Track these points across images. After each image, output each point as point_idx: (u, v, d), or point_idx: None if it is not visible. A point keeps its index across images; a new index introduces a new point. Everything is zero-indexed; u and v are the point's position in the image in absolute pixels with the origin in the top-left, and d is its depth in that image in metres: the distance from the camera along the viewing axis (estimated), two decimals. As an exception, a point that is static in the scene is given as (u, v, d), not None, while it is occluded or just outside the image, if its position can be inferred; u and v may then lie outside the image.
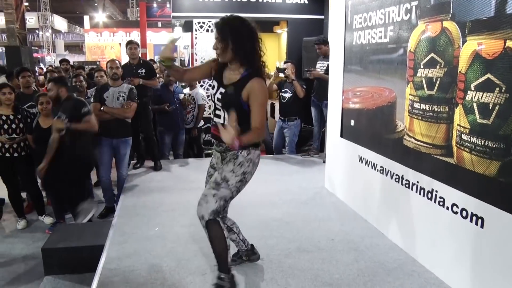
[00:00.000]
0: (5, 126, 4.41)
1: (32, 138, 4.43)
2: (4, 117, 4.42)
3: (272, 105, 7.98)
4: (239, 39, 2.31)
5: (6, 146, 4.42)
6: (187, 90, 6.19)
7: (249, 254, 2.92)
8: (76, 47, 35.29)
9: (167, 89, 5.78)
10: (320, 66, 5.75)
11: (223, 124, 2.37)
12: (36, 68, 15.77)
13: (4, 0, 14.93)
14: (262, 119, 2.36)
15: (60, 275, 3.41)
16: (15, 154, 4.48)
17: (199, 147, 6.58)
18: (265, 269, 2.89)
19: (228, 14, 2.40)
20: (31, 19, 25.99)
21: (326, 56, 5.62)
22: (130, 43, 5.48)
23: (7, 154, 4.46)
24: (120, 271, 2.88)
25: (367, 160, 3.70)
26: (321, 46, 5.65)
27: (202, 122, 6.48)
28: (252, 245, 2.94)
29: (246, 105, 2.36)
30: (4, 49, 18.38)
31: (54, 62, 22.87)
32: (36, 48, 29.76)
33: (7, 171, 4.59)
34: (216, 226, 2.36)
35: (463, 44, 2.45)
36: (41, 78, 10.72)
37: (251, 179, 2.50)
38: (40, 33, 29.30)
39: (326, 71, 5.39)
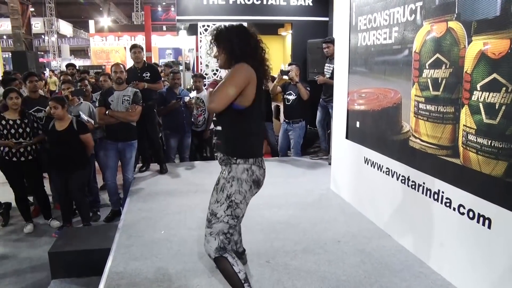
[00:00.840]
0: (12, 131, 4.44)
1: (47, 140, 4.48)
2: (11, 122, 4.45)
3: (277, 107, 7.98)
4: (229, 41, 2.28)
5: (13, 150, 4.45)
6: (194, 94, 6.19)
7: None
8: (81, 52, 35.51)
9: (173, 92, 5.79)
10: (327, 69, 5.75)
11: (220, 131, 2.34)
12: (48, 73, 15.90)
13: (10, 6, 15.08)
14: (217, 95, 2.17)
15: (67, 279, 3.44)
16: (22, 159, 4.51)
17: (212, 149, 6.57)
18: (271, 271, 2.89)
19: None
20: (37, 24, 26.16)
21: (333, 57, 5.62)
22: (134, 47, 5.48)
23: (14, 159, 4.49)
24: (127, 274, 2.89)
25: (373, 161, 3.69)
26: (330, 45, 5.59)
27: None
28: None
29: (234, 104, 2.23)
30: (10, 54, 18.56)
31: (60, 66, 23.03)
32: (42, 53, 29.99)
33: (14, 175, 4.62)
34: (224, 263, 2.27)
35: (468, 44, 2.44)
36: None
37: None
38: (46, 38, 29.49)
39: (333, 73, 5.39)
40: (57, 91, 5.98)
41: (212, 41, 2.35)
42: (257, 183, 2.34)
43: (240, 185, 2.25)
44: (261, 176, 2.34)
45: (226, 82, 2.19)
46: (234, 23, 2.40)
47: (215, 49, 2.36)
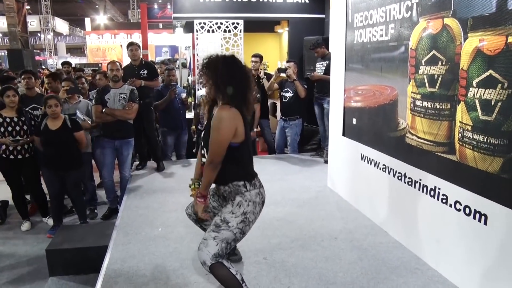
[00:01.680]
0: (9, 128, 4.42)
1: (40, 140, 4.42)
2: (8, 119, 4.43)
3: (274, 105, 7.98)
4: (218, 74, 2.24)
5: (11, 148, 4.43)
6: (202, 92, 6.16)
7: (229, 254, 2.88)
8: (77, 50, 35.40)
9: (168, 89, 5.78)
10: (319, 67, 5.78)
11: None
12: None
13: (6, 4, 15.02)
14: (213, 150, 2.24)
15: (65, 276, 3.45)
16: (19, 156, 4.49)
17: None
18: (268, 268, 2.90)
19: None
20: (33, 22, 26.03)
21: (323, 57, 5.67)
22: (131, 45, 5.47)
23: (11, 156, 4.47)
24: (124, 271, 2.89)
25: (370, 158, 3.70)
26: (318, 50, 5.74)
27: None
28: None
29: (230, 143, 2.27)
30: (6, 52, 18.49)
31: (56, 64, 22.95)
32: (38, 51, 29.85)
33: (12, 173, 4.60)
34: (221, 268, 2.23)
35: (464, 40, 2.45)
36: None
37: None
38: (42, 36, 29.36)
39: (326, 70, 5.42)
40: (48, 91, 5.92)
41: (203, 71, 2.32)
42: (264, 203, 2.43)
43: (255, 207, 2.34)
44: (265, 195, 2.44)
45: (216, 139, 2.23)
46: (226, 53, 2.36)
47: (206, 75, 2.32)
